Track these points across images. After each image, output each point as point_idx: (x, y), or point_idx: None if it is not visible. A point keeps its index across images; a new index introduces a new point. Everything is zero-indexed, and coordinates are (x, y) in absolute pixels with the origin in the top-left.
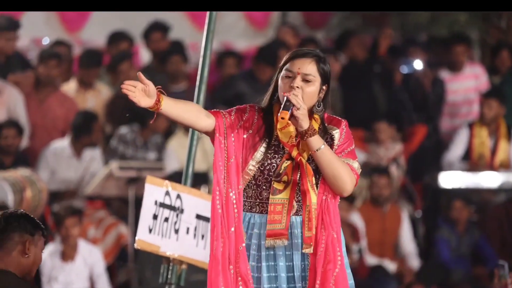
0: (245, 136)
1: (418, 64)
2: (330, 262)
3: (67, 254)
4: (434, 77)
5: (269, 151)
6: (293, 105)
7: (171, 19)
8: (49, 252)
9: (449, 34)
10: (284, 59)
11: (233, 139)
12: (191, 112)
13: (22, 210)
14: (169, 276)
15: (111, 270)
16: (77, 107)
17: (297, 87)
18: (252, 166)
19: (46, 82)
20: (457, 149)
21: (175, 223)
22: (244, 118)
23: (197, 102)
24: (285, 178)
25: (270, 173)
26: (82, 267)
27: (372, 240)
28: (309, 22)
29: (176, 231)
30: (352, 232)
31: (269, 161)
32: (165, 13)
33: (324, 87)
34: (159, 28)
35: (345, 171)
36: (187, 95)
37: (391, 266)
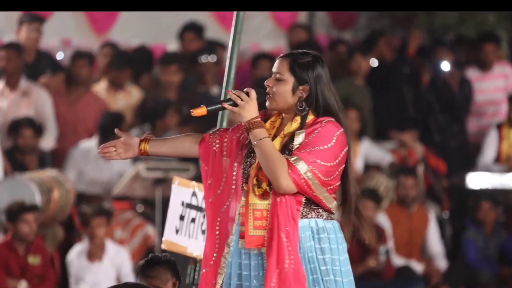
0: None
1: (445, 66)
2: (280, 263)
3: (94, 254)
4: (461, 78)
5: (248, 152)
6: (224, 101)
7: (198, 20)
8: (76, 253)
9: (478, 34)
10: None
11: (223, 159)
12: (181, 147)
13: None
14: (195, 277)
15: None
16: (108, 108)
17: (268, 85)
18: (235, 171)
19: (78, 82)
20: (489, 152)
21: (202, 223)
22: (241, 130)
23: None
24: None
25: (245, 171)
26: (109, 267)
27: (399, 241)
28: (336, 23)
29: (203, 232)
30: (379, 233)
31: (244, 160)
32: (193, 13)
33: (302, 87)
34: (193, 28)
35: (278, 166)
36: (215, 97)
37: (418, 267)
